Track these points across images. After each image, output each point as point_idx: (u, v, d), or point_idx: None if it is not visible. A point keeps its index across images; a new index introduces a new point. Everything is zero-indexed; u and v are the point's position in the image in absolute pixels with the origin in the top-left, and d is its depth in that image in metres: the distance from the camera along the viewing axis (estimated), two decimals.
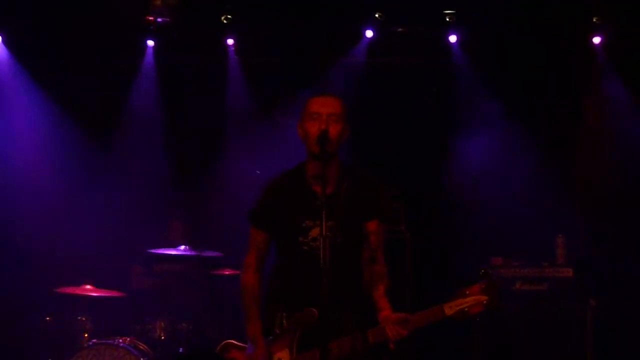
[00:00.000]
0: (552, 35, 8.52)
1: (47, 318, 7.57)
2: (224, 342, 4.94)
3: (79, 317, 7.50)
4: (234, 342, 4.89)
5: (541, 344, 7.36)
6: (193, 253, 7.60)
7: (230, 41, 8.95)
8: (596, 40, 8.57)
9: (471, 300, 4.18)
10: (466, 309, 4.20)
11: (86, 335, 7.43)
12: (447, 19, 8.55)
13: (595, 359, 7.29)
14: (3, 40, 8.75)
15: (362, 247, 4.67)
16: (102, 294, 7.60)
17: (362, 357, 4.46)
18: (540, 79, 8.72)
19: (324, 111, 4.57)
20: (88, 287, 7.60)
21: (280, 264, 4.80)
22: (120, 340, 7.17)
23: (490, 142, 8.63)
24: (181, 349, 7.42)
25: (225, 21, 8.64)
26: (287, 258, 4.76)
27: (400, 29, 8.77)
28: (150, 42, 8.93)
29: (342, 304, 4.52)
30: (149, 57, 8.97)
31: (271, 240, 4.83)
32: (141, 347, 7.21)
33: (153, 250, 7.75)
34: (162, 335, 7.51)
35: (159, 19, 8.67)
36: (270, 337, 4.67)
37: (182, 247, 7.64)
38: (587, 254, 7.92)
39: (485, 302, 4.17)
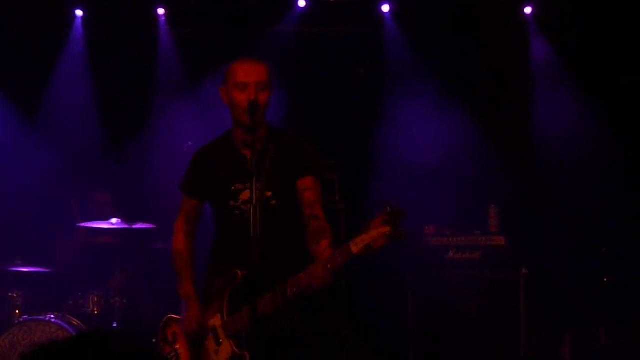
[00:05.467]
0: (484, 5, 8.56)
1: None
2: (165, 317, 4.92)
3: (10, 294, 7.39)
4: (174, 316, 4.87)
5: (474, 312, 7.43)
6: (124, 226, 7.49)
7: (161, 11, 8.82)
8: (527, 10, 8.63)
9: (374, 233, 4.00)
10: (371, 244, 4.01)
11: (17, 311, 7.32)
12: None
13: (528, 326, 7.38)
14: None
15: (297, 207, 4.57)
16: (33, 269, 7.49)
17: (284, 311, 4.38)
18: (472, 50, 8.74)
19: (251, 80, 4.48)
20: (18, 262, 7.48)
21: (216, 231, 4.78)
22: (52, 316, 7.08)
23: (424, 113, 8.64)
24: (115, 323, 7.34)
25: None
26: (221, 224, 4.74)
27: None
28: (79, 12, 8.77)
29: (275, 267, 4.42)
30: (77, 27, 8.80)
31: (202, 207, 4.83)
32: (74, 323, 7.13)
33: (83, 224, 7.63)
34: (95, 309, 7.42)
35: None
36: (205, 304, 4.65)
37: (114, 220, 7.52)
38: (519, 223, 8.01)
39: (387, 233, 3.98)
